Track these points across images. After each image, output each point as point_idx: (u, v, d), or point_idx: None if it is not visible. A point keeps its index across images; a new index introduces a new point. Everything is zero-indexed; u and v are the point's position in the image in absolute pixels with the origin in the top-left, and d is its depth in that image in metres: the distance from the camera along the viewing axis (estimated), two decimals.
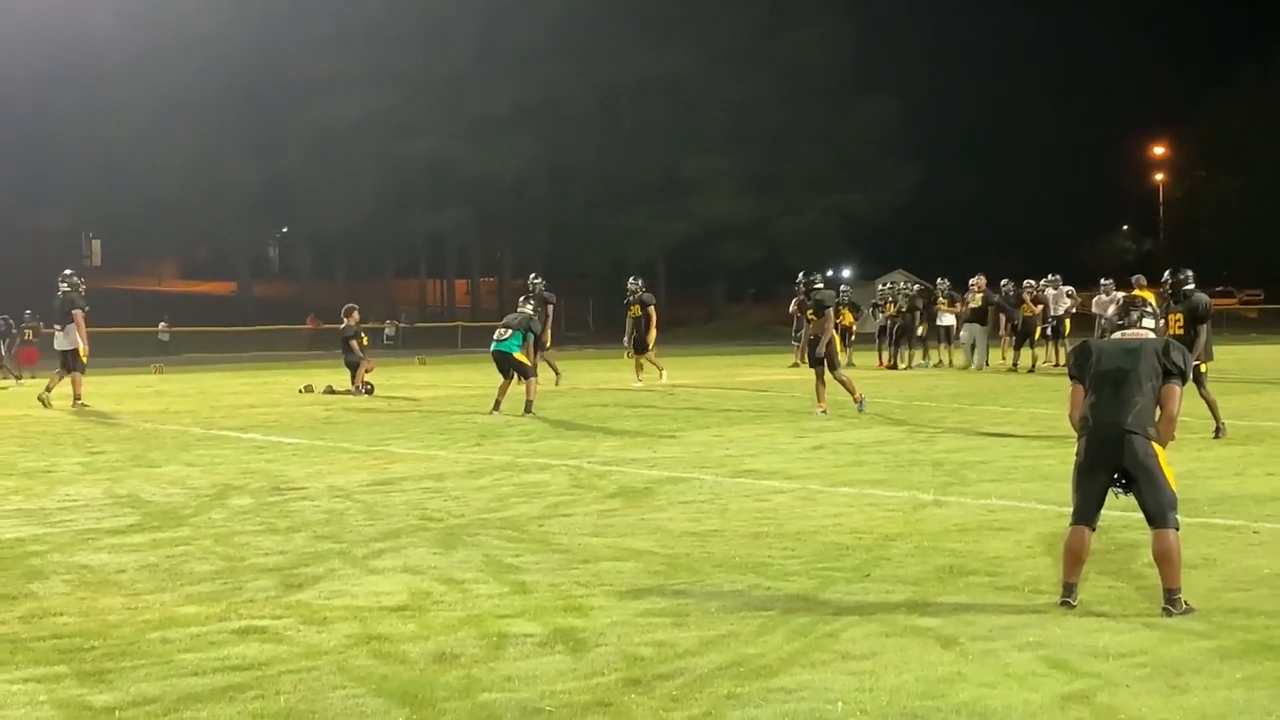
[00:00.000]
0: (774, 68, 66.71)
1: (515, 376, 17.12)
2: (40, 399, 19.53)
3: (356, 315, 22.07)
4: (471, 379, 26.01)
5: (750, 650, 5.74)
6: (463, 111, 60.63)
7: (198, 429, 15.50)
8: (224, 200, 58.60)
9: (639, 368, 23.40)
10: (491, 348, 17.25)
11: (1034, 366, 25.64)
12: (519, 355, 17.02)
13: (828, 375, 16.66)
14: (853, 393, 16.80)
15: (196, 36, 55.31)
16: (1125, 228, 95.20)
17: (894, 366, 27.32)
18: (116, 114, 54.60)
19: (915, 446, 13.24)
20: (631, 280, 24.13)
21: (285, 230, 73.24)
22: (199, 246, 71.35)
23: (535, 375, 17.43)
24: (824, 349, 16.64)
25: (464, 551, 8.08)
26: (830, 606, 6.52)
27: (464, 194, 62.15)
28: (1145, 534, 8.16)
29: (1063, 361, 26.43)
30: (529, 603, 6.72)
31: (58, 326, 20.34)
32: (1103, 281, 25.62)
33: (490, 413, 16.83)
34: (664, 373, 23.28)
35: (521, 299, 18.36)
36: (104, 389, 22.79)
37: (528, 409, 16.75)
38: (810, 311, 17.64)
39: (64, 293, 20.20)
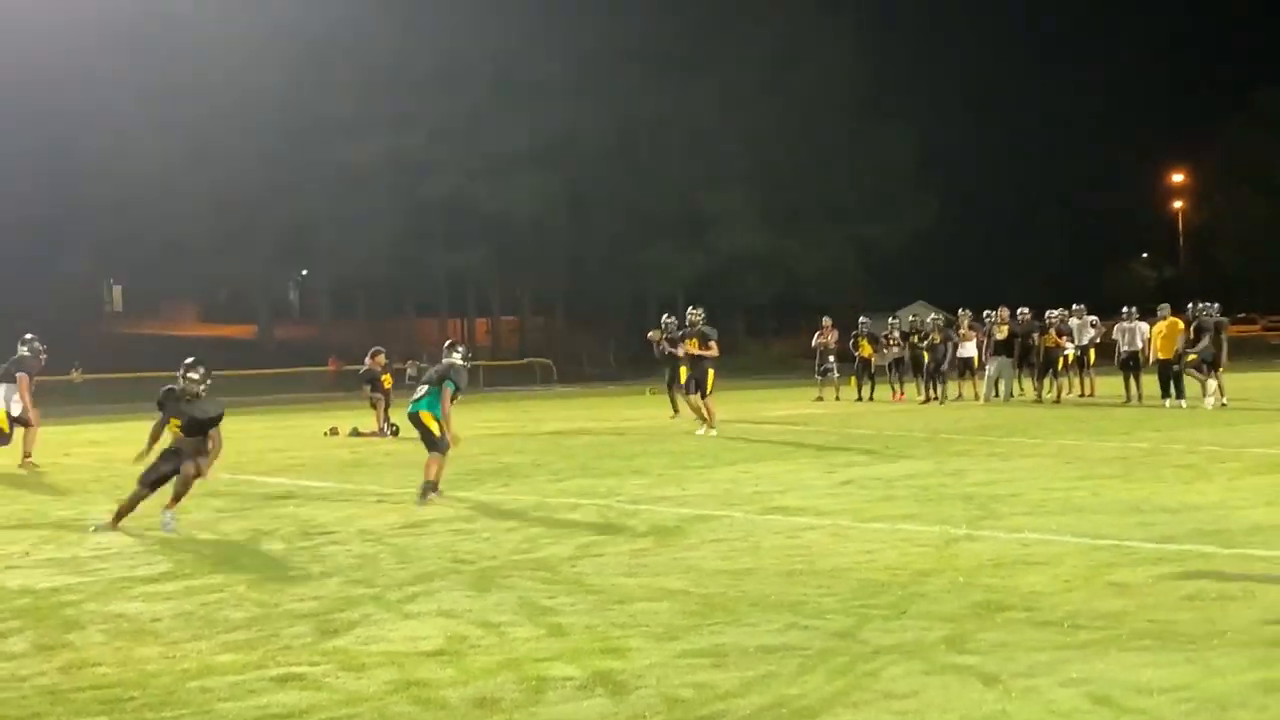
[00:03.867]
0: (789, 100, 66.91)
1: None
2: (24, 465, 17.59)
3: (382, 358, 22.14)
4: (496, 418, 26.02)
5: (791, 691, 5.71)
6: (480, 150, 60.91)
7: (225, 474, 15.50)
8: (244, 243, 58.93)
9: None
10: (408, 409, 13.25)
11: (1059, 398, 25.58)
12: (426, 418, 12.88)
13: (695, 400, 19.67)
14: (710, 421, 19.53)
15: (216, 81, 55.76)
16: (1145, 255, 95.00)
17: (929, 400, 26.92)
18: (137, 159, 55.00)
19: (944, 480, 13.20)
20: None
21: (305, 272, 73.54)
22: (220, 290, 71.64)
23: (443, 450, 12.83)
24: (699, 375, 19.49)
25: (498, 594, 8.06)
26: (869, 645, 6.49)
27: (483, 232, 62.43)
28: (1181, 566, 8.15)
29: (1089, 392, 26.39)
30: (566, 645, 6.70)
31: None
32: (1124, 310, 25.57)
33: (421, 500, 12.61)
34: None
35: (446, 345, 13.71)
36: (126, 434, 22.86)
37: (423, 491, 12.68)
38: (694, 341, 19.91)
39: (19, 355, 18.14)
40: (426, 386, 13.11)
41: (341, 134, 57.81)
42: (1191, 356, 22.99)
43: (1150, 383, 24.57)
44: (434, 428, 12.85)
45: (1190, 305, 23.83)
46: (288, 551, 9.97)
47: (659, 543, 9.85)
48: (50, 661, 6.69)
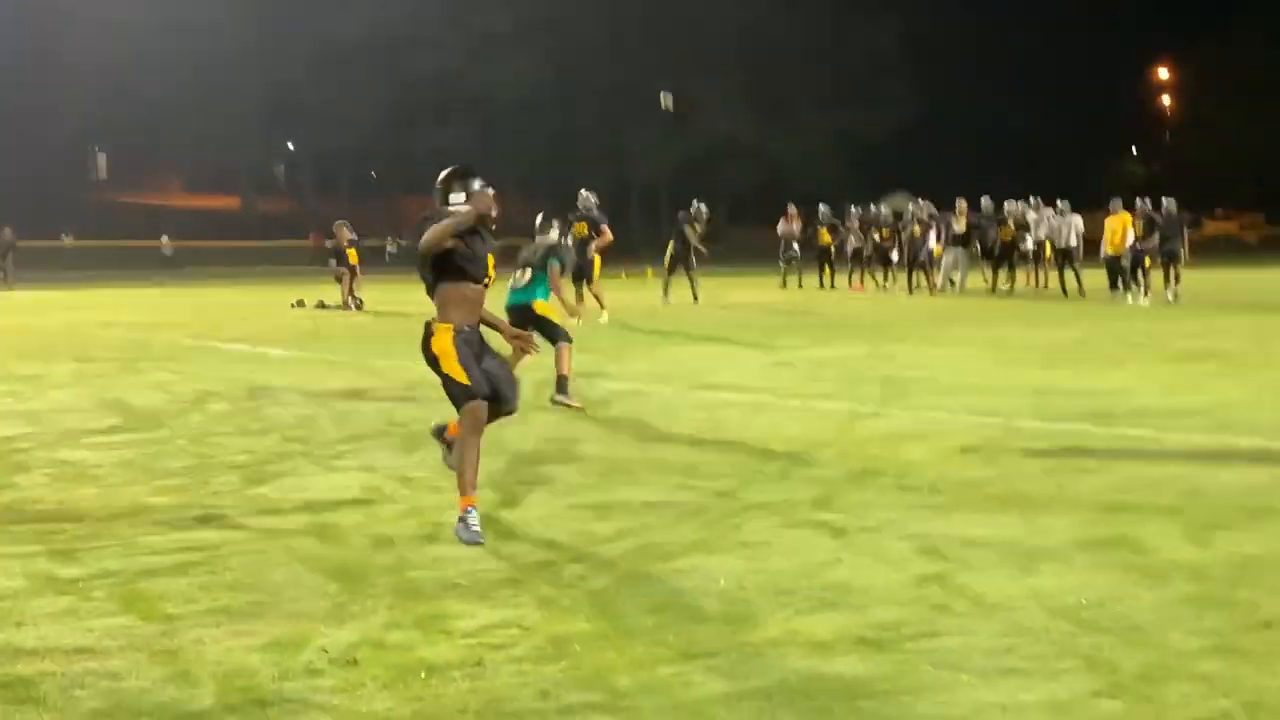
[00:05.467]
0: None
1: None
2: None
3: (345, 231, 22.58)
4: None
5: (659, 539, 6.33)
6: (467, 28, 60.69)
7: (188, 340, 16.09)
8: (228, 113, 59.01)
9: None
10: (507, 300, 10.96)
11: (1012, 288, 26.12)
12: (540, 306, 11.13)
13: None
14: (601, 303, 19.85)
15: None
16: (1134, 150, 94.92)
17: (912, 290, 26.90)
18: (123, 26, 54.87)
19: (873, 364, 13.80)
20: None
21: (291, 146, 73.51)
22: (204, 160, 71.66)
23: (568, 337, 11.04)
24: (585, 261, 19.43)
25: (421, 454, 8.65)
26: (742, 502, 7.11)
27: (468, 111, 62.41)
28: (1055, 442, 8.78)
29: (1045, 284, 26.93)
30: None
31: None
32: (1057, 203, 26.20)
33: (568, 400, 10.82)
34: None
35: (540, 220, 11.84)
36: (103, 299, 23.46)
37: (560, 389, 10.79)
38: (583, 225, 19.90)
39: None
40: (528, 270, 11.15)
41: (324, 6, 57.56)
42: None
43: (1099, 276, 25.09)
44: (552, 315, 11.14)
45: (1138, 200, 24.33)
46: (233, 411, 10.58)
47: (584, 413, 10.45)
48: None
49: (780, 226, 30.55)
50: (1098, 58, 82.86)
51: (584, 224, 19.91)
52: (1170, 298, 22.99)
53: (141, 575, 5.74)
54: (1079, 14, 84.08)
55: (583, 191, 20.72)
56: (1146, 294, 23.23)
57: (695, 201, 25.09)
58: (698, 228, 24.61)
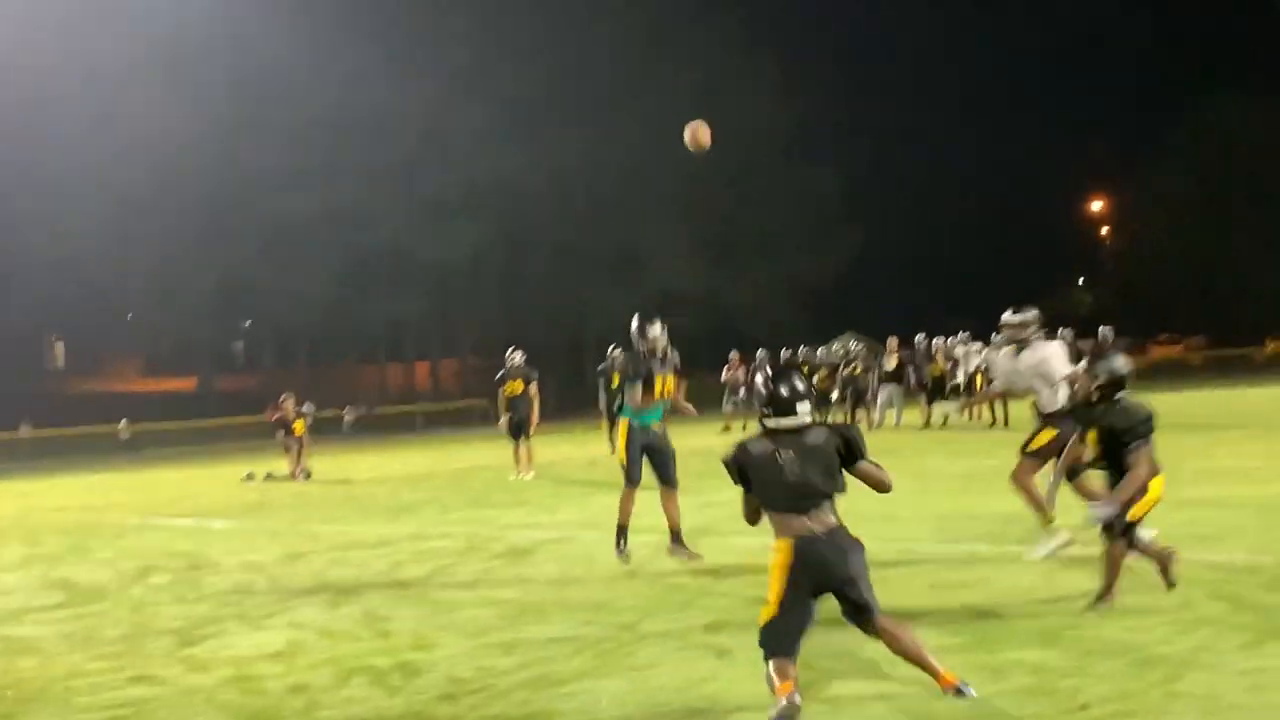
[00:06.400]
0: (718, 139, 68.22)
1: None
2: None
3: (290, 404, 23.13)
4: (413, 459, 27.08)
5: (557, 669, 6.85)
6: (415, 199, 62.08)
7: (135, 518, 16.52)
8: (184, 296, 59.89)
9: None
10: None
11: (945, 422, 26.75)
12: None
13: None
14: (530, 462, 19.70)
15: (150, 137, 56.77)
16: (1081, 281, 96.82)
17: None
18: (74, 216, 55.89)
19: None
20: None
21: (248, 323, 74.34)
22: (161, 344, 72.38)
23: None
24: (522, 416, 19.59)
25: (348, 608, 9.14)
26: (639, 633, 7.64)
27: (421, 278, 63.51)
28: (939, 562, 9.31)
29: (978, 418, 27.55)
30: (387, 644, 7.81)
31: None
32: (1060, 331, 27.00)
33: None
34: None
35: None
36: (58, 486, 23.87)
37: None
38: (518, 383, 19.93)
39: None
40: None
41: (277, 187, 58.86)
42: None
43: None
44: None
45: (1060, 330, 25.26)
46: (173, 581, 11.03)
47: (509, 562, 10.96)
48: None
49: (724, 374, 31.34)
50: (1042, 188, 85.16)
51: (519, 381, 20.03)
52: None
53: None
54: (1015, 146, 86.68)
55: (510, 350, 20.67)
56: None
57: (610, 351, 25.40)
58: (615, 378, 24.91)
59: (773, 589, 5.79)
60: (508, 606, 8.82)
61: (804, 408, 5.89)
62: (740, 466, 5.92)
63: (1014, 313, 10.26)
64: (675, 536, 10.61)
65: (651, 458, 10.87)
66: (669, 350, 10.84)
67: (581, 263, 66.83)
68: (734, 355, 31.66)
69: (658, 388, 10.67)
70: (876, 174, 78.30)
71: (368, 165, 61.21)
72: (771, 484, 5.84)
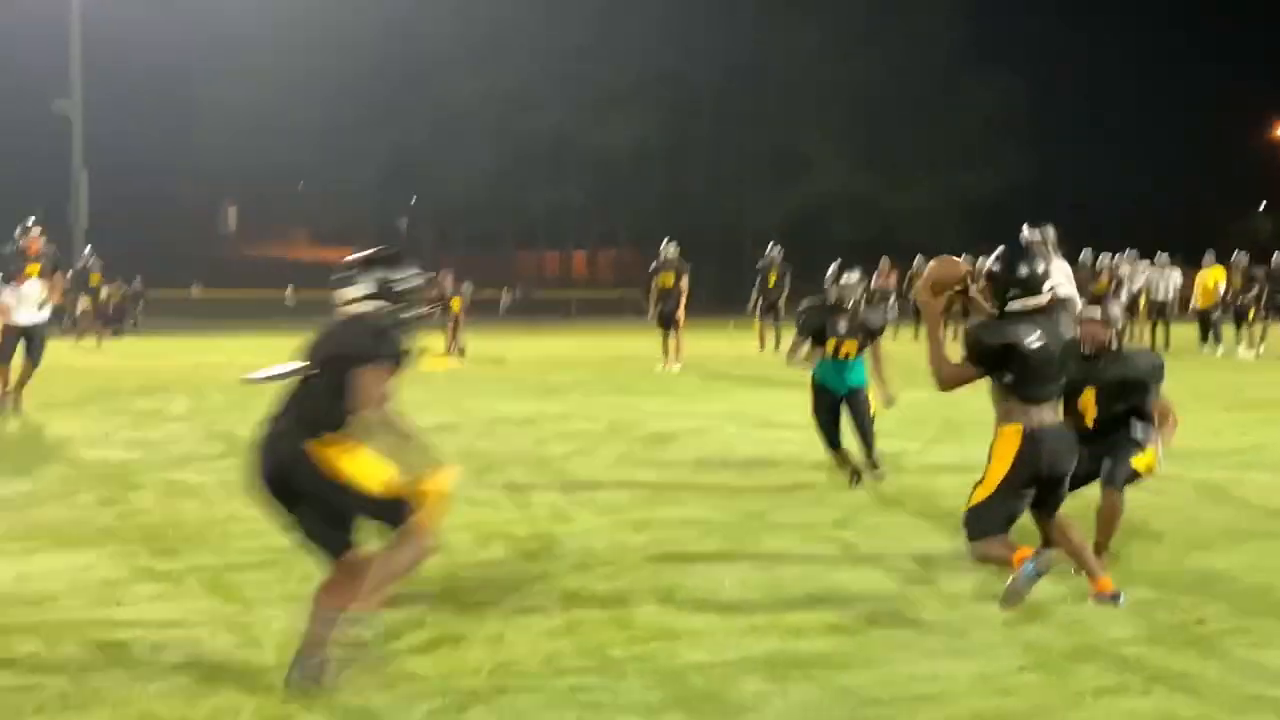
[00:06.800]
0: (889, 47, 67.22)
1: None
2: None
3: (447, 280, 23.61)
4: (568, 344, 27.57)
5: (686, 549, 7.14)
6: (583, 88, 62.25)
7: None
8: (352, 170, 61.22)
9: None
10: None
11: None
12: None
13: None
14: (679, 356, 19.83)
15: (326, 7, 57.91)
16: (1263, 206, 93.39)
17: None
18: (253, 85, 57.43)
19: (938, 408, 14.24)
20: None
21: (414, 200, 75.60)
22: (328, 216, 74.10)
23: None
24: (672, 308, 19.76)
25: (491, 479, 9.46)
26: (770, 522, 7.86)
27: (583, 167, 63.94)
28: None
29: (1139, 336, 26.95)
30: (525, 515, 8.14)
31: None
32: (1158, 255, 26.53)
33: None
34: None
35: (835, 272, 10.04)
36: (224, 346, 24.92)
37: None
38: (670, 275, 20.14)
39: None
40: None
41: (446, 64, 59.62)
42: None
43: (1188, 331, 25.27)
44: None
45: (1235, 252, 24.61)
46: None
47: (648, 446, 11.25)
48: (110, 510, 8.30)
49: (874, 281, 31.06)
50: (1224, 110, 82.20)
51: (670, 274, 20.27)
52: (1249, 354, 22.88)
53: (229, 570, 6.66)
54: (1205, 64, 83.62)
55: (665, 241, 21.03)
56: (1252, 346, 23.19)
57: (769, 249, 25.58)
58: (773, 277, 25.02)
59: (994, 472, 5.64)
60: (644, 488, 9.09)
61: (1047, 286, 5.62)
62: (1008, 346, 5.51)
63: None
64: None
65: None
66: (859, 308, 9.45)
67: (742, 160, 66.62)
68: (884, 262, 31.34)
69: (829, 346, 9.39)
70: (1049, 92, 76.09)
71: (541, 48, 61.53)
72: (1037, 369, 5.54)
